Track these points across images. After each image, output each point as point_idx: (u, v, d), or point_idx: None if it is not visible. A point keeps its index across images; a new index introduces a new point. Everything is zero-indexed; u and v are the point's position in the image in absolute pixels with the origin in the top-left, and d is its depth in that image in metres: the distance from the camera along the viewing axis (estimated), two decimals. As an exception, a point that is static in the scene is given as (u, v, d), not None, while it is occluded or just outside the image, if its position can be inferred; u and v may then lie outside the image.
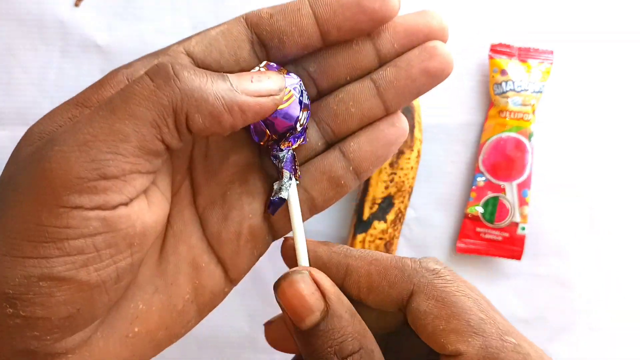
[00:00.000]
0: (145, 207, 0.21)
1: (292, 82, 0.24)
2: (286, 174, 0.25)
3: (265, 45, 0.24)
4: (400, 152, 0.44)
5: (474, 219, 0.46)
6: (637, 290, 0.47)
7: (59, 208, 0.19)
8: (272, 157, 0.25)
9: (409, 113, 0.44)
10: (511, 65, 0.46)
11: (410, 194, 0.45)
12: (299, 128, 0.25)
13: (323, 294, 0.22)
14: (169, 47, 0.24)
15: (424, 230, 0.47)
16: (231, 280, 0.26)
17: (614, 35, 0.47)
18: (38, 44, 0.47)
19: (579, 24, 0.47)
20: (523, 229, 0.46)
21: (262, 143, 0.25)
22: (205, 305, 0.26)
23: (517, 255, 0.46)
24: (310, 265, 0.24)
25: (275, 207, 0.25)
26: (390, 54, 0.25)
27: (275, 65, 0.24)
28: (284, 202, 0.25)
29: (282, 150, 0.25)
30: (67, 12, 0.47)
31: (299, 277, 0.22)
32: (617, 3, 0.48)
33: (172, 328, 0.24)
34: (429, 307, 0.22)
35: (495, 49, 0.46)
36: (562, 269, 0.47)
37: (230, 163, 0.25)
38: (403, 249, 0.47)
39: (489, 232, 0.46)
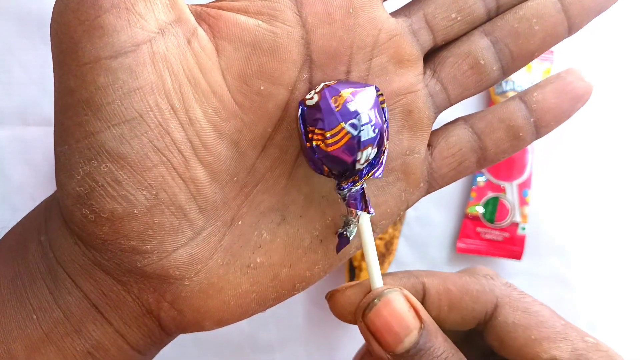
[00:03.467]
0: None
1: (352, 109, 0.21)
2: (351, 211, 0.22)
3: None
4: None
5: (474, 219, 0.46)
6: (638, 290, 0.47)
7: (82, 66, 0.18)
8: (337, 191, 0.22)
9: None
10: (511, 65, 0.46)
11: (410, 193, 0.45)
12: (359, 167, 0.21)
13: (415, 311, 0.21)
14: None
15: (424, 230, 0.47)
16: (376, 223, 0.24)
17: (614, 36, 0.47)
18: (38, 44, 0.47)
19: (580, 24, 0.47)
20: (523, 229, 0.46)
21: (325, 175, 0.22)
22: (334, 251, 0.24)
23: (518, 255, 0.46)
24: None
25: (340, 245, 0.23)
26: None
27: (337, 88, 0.21)
28: (348, 242, 0.22)
29: (342, 188, 0.22)
30: (67, 12, 0.47)
31: (394, 295, 0.21)
32: (617, 4, 0.48)
33: (296, 266, 0.23)
34: (517, 319, 0.22)
35: (496, 49, 0.46)
36: (562, 269, 0.47)
37: None
38: (403, 249, 0.47)
39: (489, 232, 0.46)
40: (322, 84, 0.21)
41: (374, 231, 0.23)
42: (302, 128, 0.21)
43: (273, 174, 0.22)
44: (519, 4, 0.24)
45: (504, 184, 0.46)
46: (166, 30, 0.19)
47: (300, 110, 0.21)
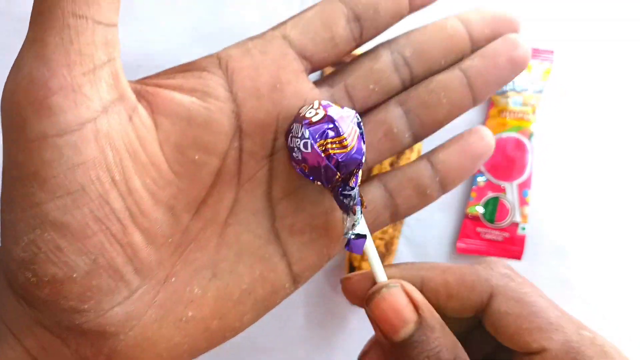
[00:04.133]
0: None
1: (349, 114, 0.24)
2: (358, 209, 0.24)
3: (360, 18, 0.25)
4: (401, 152, 0.44)
5: (474, 219, 0.46)
6: (637, 290, 0.47)
7: (29, 142, 0.19)
8: (341, 197, 0.24)
9: (409, 113, 0.44)
10: (511, 65, 0.46)
11: (410, 194, 0.45)
12: (363, 160, 0.24)
13: (415, 306, 0.23)
14: (265, 34, 0.25)
15: (424, 230, 0.47)
16: (294, 277, 0.26)
17: (614, 35, 0.47)
18: (38, 44, 0.47)
19: (579, 24, 0.47)
20: (523, 229, 0.46)
21: (330, 186, 0.24)
22: (262, 300, 0.25)
23: (517, 255, 0.46)
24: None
25: (357, 245, 0.24)
26: (481, 39, 0.27)
27: (328, 103, 0.24)
28: (365, 238, 0.24)
29: (352, 188, 0.24)
30: (67, 12, 0.47)
31: (393, 290, 0.23)
32: (617, 3, 0.48)
33: (226, 318, 0.25)
34: (509, 308, 0.23)
35: (496, 49, 0.46)
36: (562, 269, 0.47)
37: None
38: (403, 249, 0.47)
39: (489, 232, 0.46)
40: (315, 101, 0.24)
41: (298, 282, 0.26)
42: (314, 144, 0.23)
43: (205, 234, 0.24)
44: (430, 76, 0.27)
45: (504, 184, 0.46)
46: (109, 108, 0.20)
47: (308, 131, 0.23)
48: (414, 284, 0.24)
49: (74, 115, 0.19)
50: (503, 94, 0.46)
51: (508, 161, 0.46)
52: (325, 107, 0.23)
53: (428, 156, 0.27)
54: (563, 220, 0.47)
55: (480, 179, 0.46)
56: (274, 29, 0.25)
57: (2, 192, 0.20)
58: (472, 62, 0.26)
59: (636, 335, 0.47)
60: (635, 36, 0.47)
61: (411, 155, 0.44)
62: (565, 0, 0.48)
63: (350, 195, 0.24)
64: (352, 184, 0.24)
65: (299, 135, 0.23)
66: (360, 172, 0.24)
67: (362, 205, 0.24)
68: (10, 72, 0.21)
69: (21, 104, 0.19)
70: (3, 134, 0.21)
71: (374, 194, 0.27)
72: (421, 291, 0.24)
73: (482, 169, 0.46)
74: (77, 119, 0.19)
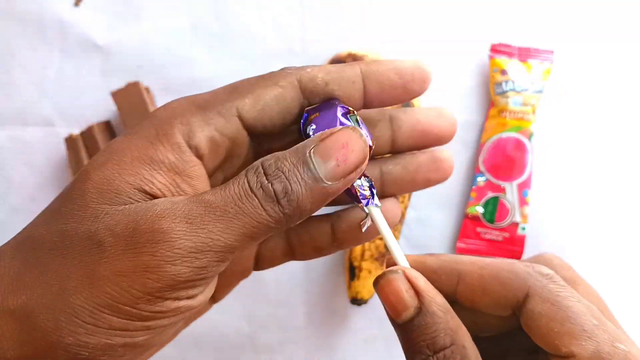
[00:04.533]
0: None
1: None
2: (372, 195, 0.25)
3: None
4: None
5: (474, 219, 0.46)
6: (637, 290, 0.47)
7: (156, 298, 0.20)
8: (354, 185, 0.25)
9: (409, 113, 0.44)
10: (511, 65, 0.46)
11: (410, 194, 0.45)
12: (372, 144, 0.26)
13: (417, 292, 0.23)
14: (219, 100, 0.24)
15: (424, 230, 0.47)
16: (215, 300, 0.29)
17: (613, 35, 0.47)
18: (38, 44, 0.47)
19: (579, 24, 0.47)
20: (523, 229, 0.46)
21: None
22: (191, 319, 0.28)
23: (517, 255, 0.46)
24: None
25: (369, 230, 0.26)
26: (403, 147, 0.28)
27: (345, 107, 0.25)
28: (379, 207, 0.26)
29: (370, 183, 0.26)
30: (67, 12, 0.47)
31: (395, 276, 0.24)
32: (617, 3, 0.48)
33: (162, 343, 0.26)
34: (543, 310, 0.23)
35: (495, 49, 0.46)
36: (562, 269, 0.47)
37: None
38: (403, 249, 0.47)
39: (489, 232, 0.46)
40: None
41: (216, 301, 0.29)
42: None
43: None
44: None
45: (504, 184, 0.46)
46: None
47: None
48: (450, 279, 0.25)
49: None
50: (503, 93, 0.46)
51: (508, 161, 0.46)
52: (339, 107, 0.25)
53: (327, 218, 0.29)
54: (563, 220, 0.47)
55: (480, 179, 0.46)
56: (230, 98, 0.24)
57: None
58: (394, 168, 0.28)
59: (636, 335, 0.47)
60: (635, 36, 0.47)
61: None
62: (565, 0, 0.48)
63: (362, 181, 0.25)
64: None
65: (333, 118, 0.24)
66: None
67: (373, 197, 0.26)
68: None
69: None
70: None
71: (276, 242, 0.29)
72: (457, 285, 0.25)
73: (482, 169, 0.46)
74: None
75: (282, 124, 0.25)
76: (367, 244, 0.45)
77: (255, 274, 0.47)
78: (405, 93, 0.26)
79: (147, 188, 0.21)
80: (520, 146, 0.46)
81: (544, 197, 0.47)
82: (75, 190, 0.21)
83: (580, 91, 0.47)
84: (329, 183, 0.22)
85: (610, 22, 0.47)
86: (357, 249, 0.45)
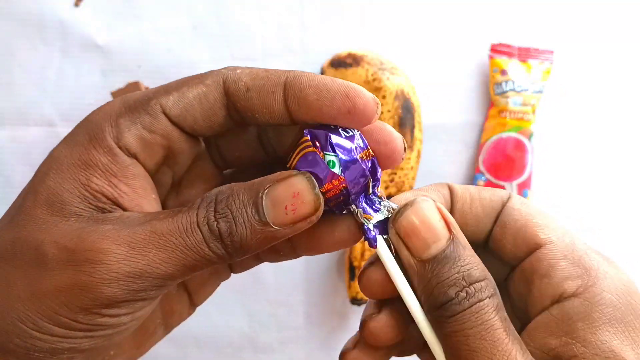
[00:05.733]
0: None
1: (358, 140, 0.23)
2: (380, 204, 0.24)
3: (240, 113, 0.24)
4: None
5: (474, 219, 0.46)
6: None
7: (94, 314, 0.21)
8: (369, 199, 0.24)
9: (409, 113, 0.44)
10: (511, 65, 0.46)
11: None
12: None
13: (446, 223, 0.22)
14: (147, 99, 0.23)
15: (424, 230, 0.47)
16: (194, 304, 0.28)
17: (613, 36, 0.47)
18: (38, 44, 0.47)
19: (579, 24, 0.47)
20: (523, 229, 0.46)
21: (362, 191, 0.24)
22: (172, 325, 0.28)
23: (517, 255, 0.46)
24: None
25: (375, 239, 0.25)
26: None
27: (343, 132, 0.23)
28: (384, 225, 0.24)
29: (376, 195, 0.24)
30: (67, 12, 0.47)
31: (426, 204, 0.22)
32: (617, 3, 0.48)
33: (142, 346, 0.26)
34: (522, 207, 0.23)
35: (495, 49, 0.46)
36: (562, 269, 0.47)
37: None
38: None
39: (489, 232, 0.46)
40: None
41: (196, 305, 0.28)
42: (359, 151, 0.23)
43: None
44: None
45: (504, 183, 0.46)
46: None
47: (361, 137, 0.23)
48: (444, 196, 0.24)
49: None
50: (503, 94, 0.46)
51: (508, 161, 0.46)
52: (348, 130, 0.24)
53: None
54: (563, 220, 0.47)
55: (480, 179, 0.46)
56: (156, 95, 0.23)
57: None
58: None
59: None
60: (634, 37, 0.47)
61: (411, 155, 0.44)
62: (565, 0, 0.48)
63: (381, 199, 0.24)
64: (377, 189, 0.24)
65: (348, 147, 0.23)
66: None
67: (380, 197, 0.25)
68: None
69: None
70: None
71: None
72: (451, 196, 0.25)
73: (482, 169, 0.46)
74: None
75: (208, 125, 0.24)
76: (367, 245, 0.45)
77: (255, 274, 0.47)
78: (325, 116, 0.23)
79: (86, 193, 0.22)
80: (520, 146, 0.46)
81: (544, 197, 0.47)
82: (27, 201, 0.22)
83: (580, 91, 0.47)
84: (276, 228, 0.21)
85: (610, 23, 0.47)
86: (357, 248, 0.45)
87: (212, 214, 0.21)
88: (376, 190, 0.24)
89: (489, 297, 0.21)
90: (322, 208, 0.22)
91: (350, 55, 0.45)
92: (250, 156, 0.27)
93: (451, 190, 0.25)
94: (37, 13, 0.47)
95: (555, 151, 0.47)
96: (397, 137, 0.24)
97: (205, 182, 0.26)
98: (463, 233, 0.23)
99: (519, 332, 0.22)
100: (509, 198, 0.24)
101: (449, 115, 0.47)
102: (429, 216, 0.22)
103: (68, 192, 0.22)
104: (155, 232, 0.21)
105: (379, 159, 0.23)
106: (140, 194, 0.23)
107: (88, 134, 0.22)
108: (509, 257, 0.24)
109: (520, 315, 0.24)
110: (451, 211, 0.25)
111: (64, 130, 0.47)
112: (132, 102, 0.23)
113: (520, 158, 0.46)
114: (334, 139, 0.22)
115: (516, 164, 0.46)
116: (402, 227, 0.22)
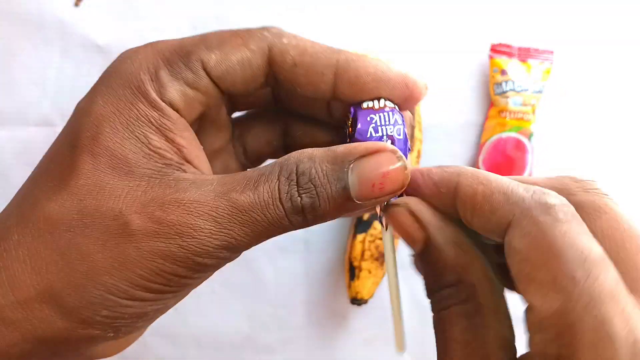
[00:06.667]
0: None
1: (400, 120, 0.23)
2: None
3: (279, 83, 0.24)
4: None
5: (474, 219, 0.46)
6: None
7: (184, 278, 0.21)
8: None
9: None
10: (511, 65, 0.46)
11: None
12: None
13: (422, 226, 0.22)
14: (186, 52, 0.22)
15: (424, 230, 0.47)
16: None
17: (613, 36, 0.47)
18: (38, 44, 0.47)
19: (579, 24, 0.47)
20: (523, 229, 0.46)
21: None
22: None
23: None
24: (418, 198, 0.23)
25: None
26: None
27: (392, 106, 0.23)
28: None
29: None
30: (67, 12, 0.47)
31: (397, 210, 0.22)
32: (617, 4, 0.48)
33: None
34: (520, 245, 0.19)
35: (495, 49, 0.46)
36: (562, 269, 0.47)
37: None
38: (403, 249, 0.47)
39: (489, 232, 0.46)
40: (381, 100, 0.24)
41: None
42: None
43: None
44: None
45: (503, 184, 0.46)
46: None
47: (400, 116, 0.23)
48: (448, 190, 0.22)
49: None
50: (503, 94, 0.46)
51: (508, 161, 0.46)
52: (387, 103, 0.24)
53: None
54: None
55: (480, 179, 0.46)
56: (198, 48, 0.23)
57: None
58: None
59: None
60: (634, 37, 0.47)
61: (411, 155, 0.44)
62: (565, 0, 0.48)
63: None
64: None
65: (391, 123, 0.23)
66: None
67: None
68: None
69: None
70: None
71: None
72: (455, 199, 0.22)
73: (482, 168, 0.46)
74: None
75: (244, 89, 0.23)
76: (367, 244, 0.45)
77: (255, 274, 0.47)
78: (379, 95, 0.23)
79: (150, 152, 0.21)
80: (520, 146, 0.46)
81: (544, 197, 0.47)
82: (83, 163, 0.21)
83: (580, 91, 0.47)
84: (358, 202, 0.21)
85: (610, 23, 0.47)
86: (357, 249, 0.45)
87: (295, 189, 0.21)
88: None
89: (454, 306, 0.20)
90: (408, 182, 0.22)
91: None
92: (270, 153, 0.27)
93: (456, 189, 0.22)
94: (37, 13, 0.47)
95: (555, 151, 0.47)
96: (417, 80, 0.24)
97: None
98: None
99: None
100: (508, 227, 0.19)
101: (449, 115, 0.47)
102: (401, 223, 0.22)
103: (132, 152, 0.21)
104: (237, 207, 0.20)
105: (401, 102, 0.24)
106: (195, 146, 0.22)
107: (129, 87, 0.21)
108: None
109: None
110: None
111: (64, 130, 0.47)
112: (168, 52, 0.22)
113: (520, 158, 0.46)
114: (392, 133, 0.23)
115: (516, 164, 0.46)
116: (392, 226, 0.23)
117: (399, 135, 0.23)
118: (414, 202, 0.22)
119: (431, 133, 0.47)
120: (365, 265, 0.45)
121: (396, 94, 0.23)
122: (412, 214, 0.22)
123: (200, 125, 0.25)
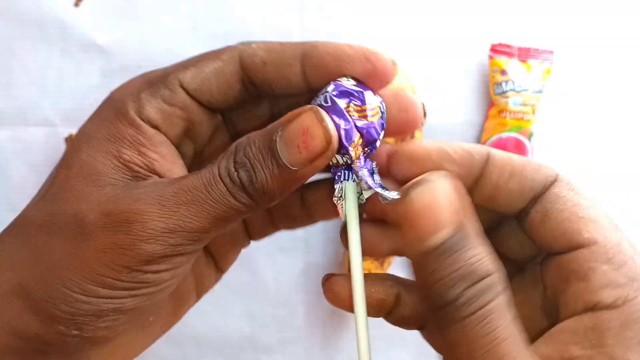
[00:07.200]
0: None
1: (378, 98, 0.23)
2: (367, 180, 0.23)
3: (256, 86, 0.25)
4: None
5: (474, 219, 0.46)
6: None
7: (136, 271, 0.21)
8: (354, 172, 0.24)
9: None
10: (511, 65, 0.46)
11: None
12: (377, 145, 0.24)
13: (459, 208, 0.19)
14: (166, 74, 0.24)
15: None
16: (221, 270, 0.29)
17: (614, 36, 0.47)
18: (38, 44, 0.47)
19: (579, 24, 0.47)
20: (523, 229, 0.46)
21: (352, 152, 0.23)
22: (203, 290, 0.29)
23: (517, 255, 0.46)
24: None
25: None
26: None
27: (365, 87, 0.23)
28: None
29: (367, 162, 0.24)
30: (67, 12, 0.47)
31: (437, 185, 0.20)
32: (617, 4, 0.48)
33: (177, 313, 0.27)
34: (569, 195, 0.22)
35: (495, 49, 0.46)
36: (562, 269, 0.47)
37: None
38: (400, 260, 0.47)
39: (489, 232, 0.46)
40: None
41: (222, 272, 0.30)
42: (334, 97, 0.23)
43: None
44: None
45: (503, 184, 0.46)
46: None
47: (333, 85, 0.23)
48: (481, 155, 0.23)
49: None
50: (503, 94, 0.46)
51: (508, 161, 0.46)
52: (359, 85, 0.23)
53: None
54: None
55: (480, 179, 0.46)
56: (175, 70, 0.24)
57: None
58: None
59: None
60: (634, 37, 0.47)
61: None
62: (565, 0, 0.48)
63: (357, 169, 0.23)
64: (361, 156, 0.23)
65: (322, 91, 0.23)
66: (367, 153, 0.24)
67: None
68: None
69: None
70: None
71: None
72: (486, 163, 0.22)
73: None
74: None
75: (224, 99, 0.24)
76: (367, 244, 0.45)
77: (255, 274, 0.47)
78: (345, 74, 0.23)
79: (119, 164, 0.22)
80: (520, 146, 0.46)
81: (544, 197, 0.47)
82: (60, 176, 0.23)
83: (580, 91, 0.47)
84: (294, 169, 0.21)
85: (610, 23, 0.47)
86: (357, 249, 0.45)
87: (232, 165, 0.21)
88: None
89: (497, 297, 0.19)
90: (335, 140, 0.22)
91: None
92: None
93: (490, 158, 0.23)
94: (37, 13, 0.47)
95: (555, 151, 0.47)
96: (417, 104, 0.24)
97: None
98: (493, 206, 0.22)
99: (545, 329, 0.21)
100: (554, 181, 0.22)
101: (448, 115, 0.47)
102: (437, 200, 0.19)
103: (102, 164, 0.22)
104: (182, 189, 0.21)
105: (400, 126, 0.24)
106: (169, 160, 0.23)
107: (113, 109, 0.23)
108: (546, 247, 0.22)
109: (549, 308, 0.22)
110: (480, 182, 0.23)
111: (64, 130, 0.47)
112: (152, 78, 0.24)
113: (520, 158, 0.46)
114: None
115: (516, 164, 0.46)
116: (406, 211, 0.20)
117: (363, 111, 0.23)
118: (452, 176, 0.20)
119: (431, 133, 0.47)
120: (365, 265, 0.45)
121: (358, 70, 0.23)
122: (455, 190, 0.20)
123: (197, 145, 0.26)
